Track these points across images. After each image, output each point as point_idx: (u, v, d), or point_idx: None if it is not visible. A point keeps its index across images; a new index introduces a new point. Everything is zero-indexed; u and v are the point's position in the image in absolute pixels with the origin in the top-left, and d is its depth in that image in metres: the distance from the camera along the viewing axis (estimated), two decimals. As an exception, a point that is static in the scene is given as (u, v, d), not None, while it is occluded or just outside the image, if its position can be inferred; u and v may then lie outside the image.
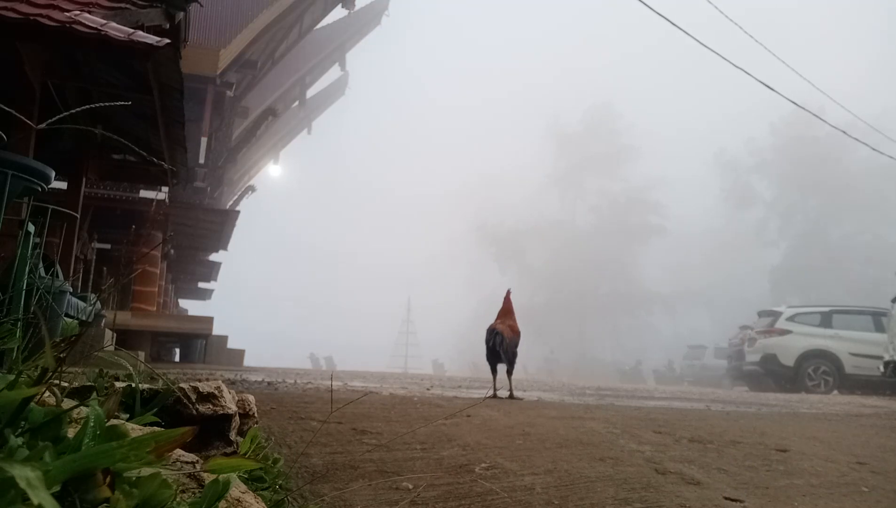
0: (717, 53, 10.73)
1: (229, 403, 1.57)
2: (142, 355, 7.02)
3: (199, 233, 16.37)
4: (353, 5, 19.54)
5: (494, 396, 4.56)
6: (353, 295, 74.27)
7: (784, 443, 2.82)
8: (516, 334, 4.75)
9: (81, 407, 0.84)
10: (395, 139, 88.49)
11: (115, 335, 7.34)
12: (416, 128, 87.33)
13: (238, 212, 15.45)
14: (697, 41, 10.45)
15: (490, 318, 4.85)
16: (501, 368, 4.64)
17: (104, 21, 4.70)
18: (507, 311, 4.84)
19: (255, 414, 1.72)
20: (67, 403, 1.01)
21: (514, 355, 4.69)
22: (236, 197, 18.27)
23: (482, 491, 1.69)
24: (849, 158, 41.01)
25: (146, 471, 0.72)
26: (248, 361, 12.86)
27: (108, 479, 0.67)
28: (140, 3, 5.90)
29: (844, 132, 13.79)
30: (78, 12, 4.68)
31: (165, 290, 19.52)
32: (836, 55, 53.20)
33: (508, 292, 4.96)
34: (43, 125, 1.77)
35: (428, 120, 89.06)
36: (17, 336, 1.55)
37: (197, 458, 1.10)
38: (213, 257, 20.02)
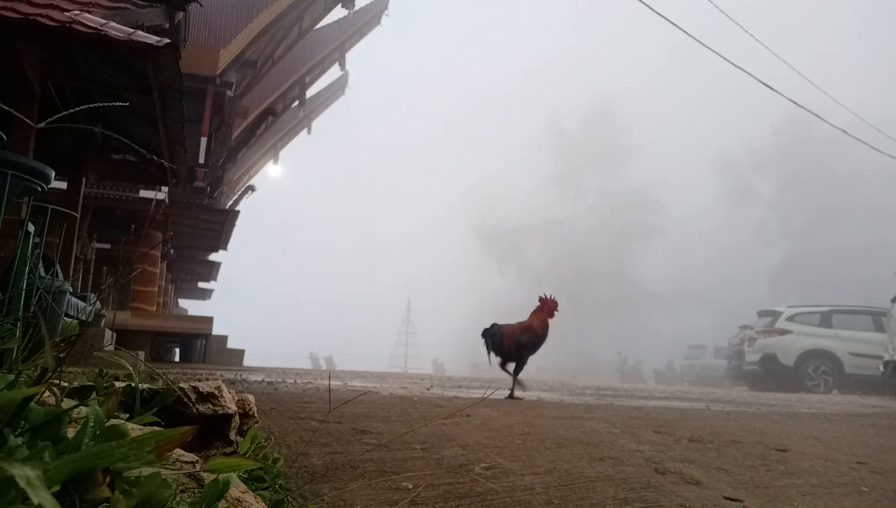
0: (718, 53, 10.74)
1: (229, 403, 1.58)
2: (142, 355, 7.01)
3: (199, 233, 16.36)
4: (352, 5, 19.52)
5: (511, 397, 4.46)
6: (353, 295, 74.27)
7: (784, 443, 2.82)
8: (531, 331, 4.61)
9: (81, 407, 0.84)
10: (395, 139, 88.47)
11: (115, 335, 7.34)
12: (416, 127, 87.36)
13: (238, 212, 15.45)
14: (697, 41, 10.45)
15: (490, 319, 4.83)
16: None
17: (104, 21, 4.70)
18: (538, 311, 4.71)
19: (255, 414, 1.72)
20: (67, 403, 1.01)
21: (523, 354, 4.60)
22: (236, 197, 18.27)
23: (482, 491, 1.69)
24: (849, 158, 40.94)
25: (146, 471, 0.72)
26: (248, 361, 12.85)
27: (107, 479, 0.67)
28: (140, 3, 5.90)
29: (844, 131, 13.79)
30: (78, 12, 4.68)
31: (165, 290, 19.52)
32: (836, 55, 53.16)
33: (545, 300, 4.74)
34: (42, 125, 1.77)
35: (428, 119, 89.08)
36: (17, 336, 1.55)
37: (197, 458, 1.10)
38: (213, 257, 20.01)
